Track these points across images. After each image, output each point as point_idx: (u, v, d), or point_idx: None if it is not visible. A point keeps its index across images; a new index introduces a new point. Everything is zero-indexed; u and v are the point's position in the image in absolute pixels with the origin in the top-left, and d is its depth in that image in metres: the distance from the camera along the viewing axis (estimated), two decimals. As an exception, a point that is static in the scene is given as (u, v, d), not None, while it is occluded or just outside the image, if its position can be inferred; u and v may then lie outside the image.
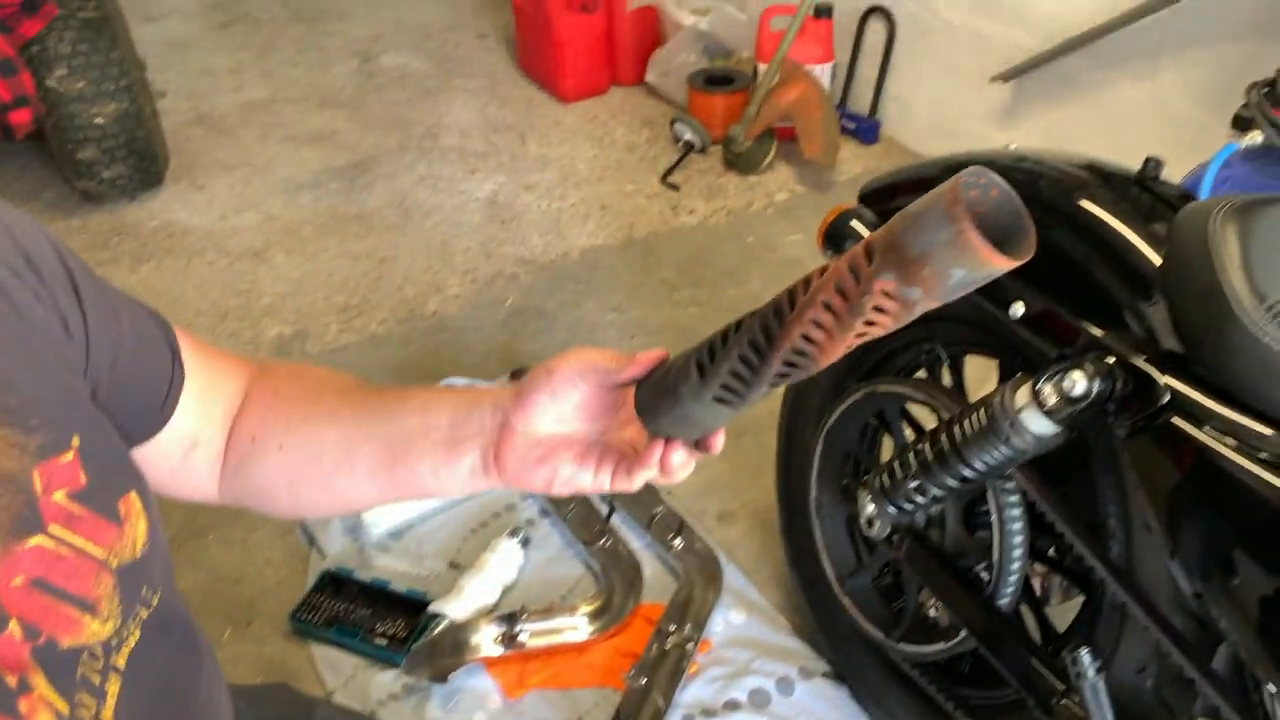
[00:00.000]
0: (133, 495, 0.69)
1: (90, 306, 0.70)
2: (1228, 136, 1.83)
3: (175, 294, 2.79)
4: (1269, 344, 0.99)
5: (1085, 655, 1.18)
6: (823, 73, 3.27)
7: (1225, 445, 1.02)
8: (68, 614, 0.61)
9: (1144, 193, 1.24)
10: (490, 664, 1.79)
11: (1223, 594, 1.06)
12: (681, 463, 0.73)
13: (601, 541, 1.98)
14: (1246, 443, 1.01)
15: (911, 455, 1.29)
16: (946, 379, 1.52)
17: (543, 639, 1.80)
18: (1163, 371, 1.07)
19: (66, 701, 0.60)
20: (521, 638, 1.79)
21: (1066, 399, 1.10)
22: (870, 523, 1.42)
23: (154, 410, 0.78)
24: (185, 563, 2.03)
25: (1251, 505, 1.01)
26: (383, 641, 1.84)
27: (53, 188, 3.21)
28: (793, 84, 3.09)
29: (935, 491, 1.27)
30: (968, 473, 1.22)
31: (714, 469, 2.16)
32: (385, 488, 0.81)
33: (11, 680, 0.57)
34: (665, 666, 1.76)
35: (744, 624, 1.86)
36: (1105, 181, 1.27)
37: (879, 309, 0.58)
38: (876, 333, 0.60)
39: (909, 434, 1.52)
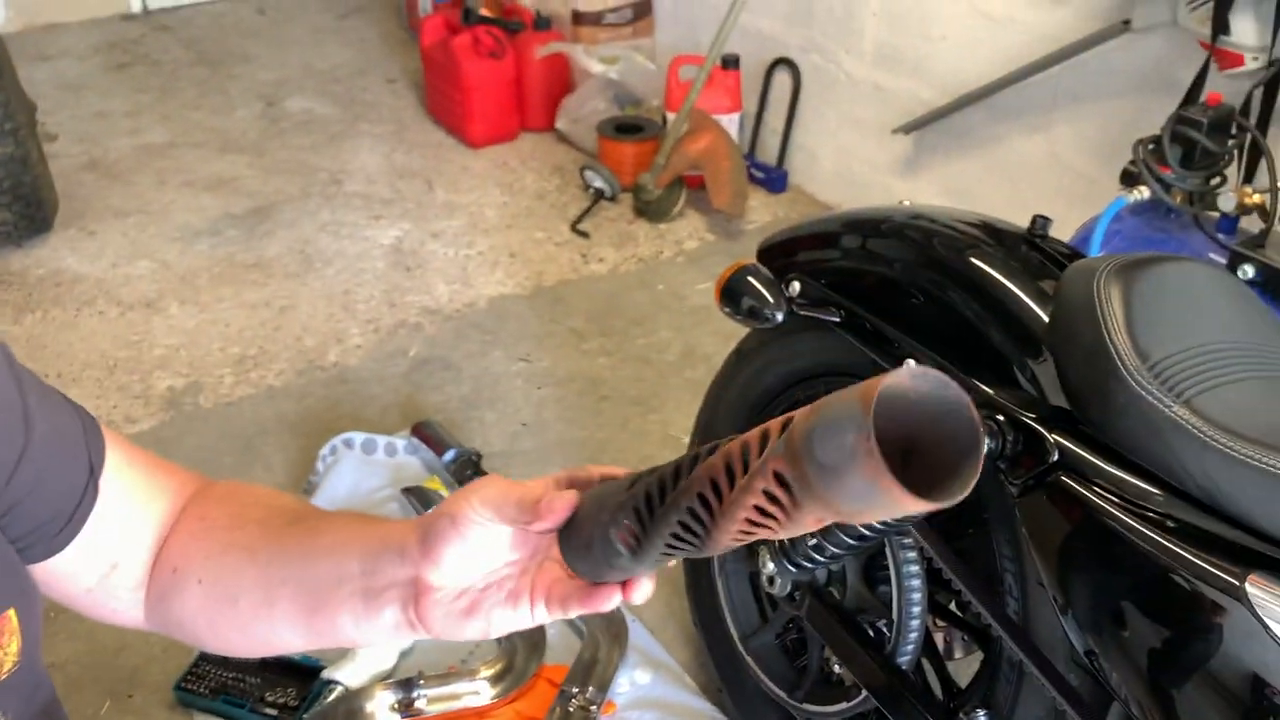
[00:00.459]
0: (10, 613, 0.64)
1: None
2: (1117, 191, 1.88)
3: (62, 346, 2.68)
4: (1153, 403, 1.00)
5: (983, 717, 1.17)
6: (731, 122, 3.30)
7: (1112, 503, 1.03)
8: None
9: (1032, 250, 1.25)
10: (386, 732, 1.72)
11: (1114, 651, 1.06)
12: (638, 596, 0.66)
13: (504, 600, 1.92)
14: (1132, 500, 1.02)
15: (809, 514, 1.27)
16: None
17: (441, 704, 1.74)
18: (1051, 430, 1.08)
19: None
20: (419, 704, 1.72)
21: (959, 458, 1.09)
22: (772, 580, 1.40)
23: (54, 529, 0.72)
24: (62, 632, 1.93)
25: (1139, 562, 1.02)
26: (273, 711, 1.76)
27: (-67, 234, 3.07)
28: (702, 133, 3.11)
29: (833, 550, 1.26)
30: (865, 531, 1.21)
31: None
32: (308, 636, 0.75)
33: None
34: (568, 730, 1.71)
35: (650, 684, 1.82)
36: (996, 239, 1.28)
37: (760, 509, 0.53)
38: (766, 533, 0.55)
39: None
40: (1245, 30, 1.92)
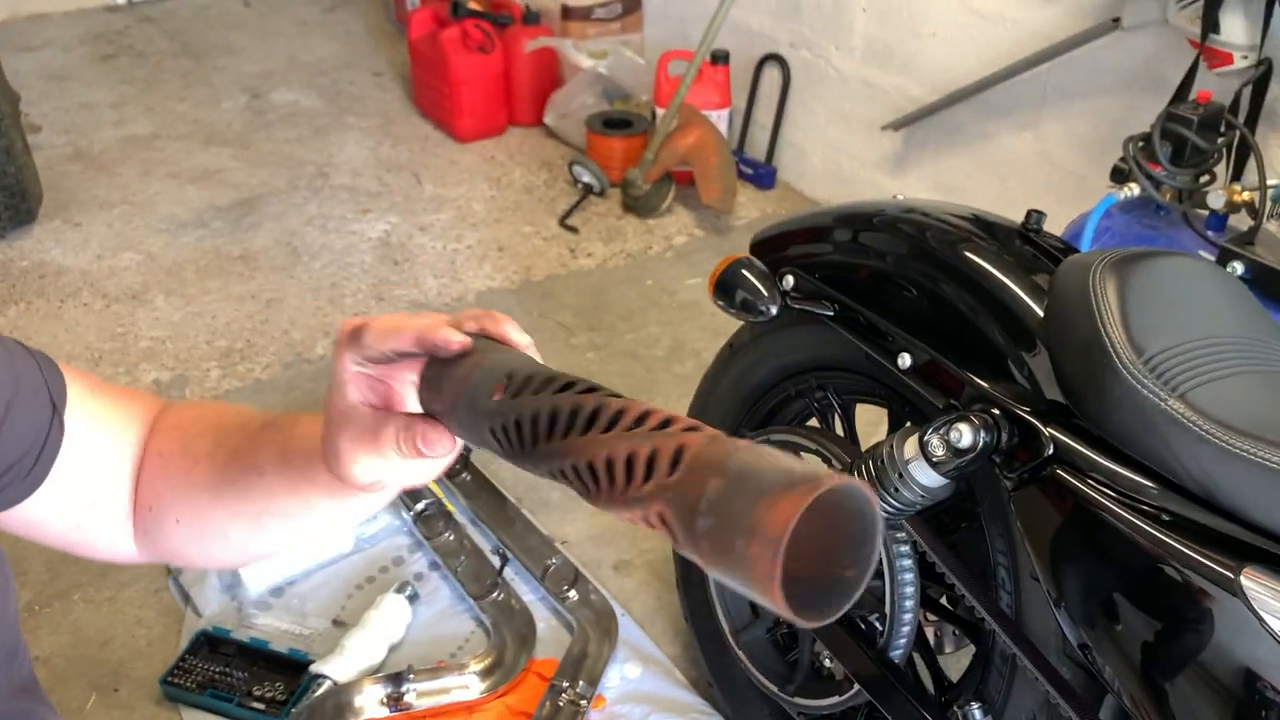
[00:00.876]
0: None
1: None
2: (1107, 188, 1.88)
3: (46, 338, 2.65)
4: (1147, 396, 1.00)
5: (976, 710, 1.17)
6: (720, 118, 3.30)
7: (1106, 496, 1.03)
8: None
9: (1026, 244, 1.25)
10: (375, 727, 1.71)
11: (1107, 644, 1.06)
12: (435, 446, 0.63)
13: (493, 595, 1.92)
14: (1126, 493, 1.02)
15: (803, 507, 1.27)
16: (839, 427, 1.51)
17: (431, 699, 1.73)
18: (1046, 423, 1.08)
19: None
20: (408, 698, 1.72)
21: (954, 450, 1.09)
22: (764, 575, 1.40)
23: (24, 469, 0.72)
24: (46, 626, 1.91)
25: (1133, 555, 1.02)
26: (260, 705, 1.75)
27: (-86, 224, 3.04)
28: (691, 129, 3.10)
29: (827, 544, 1.25)
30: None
31: (610, 518, 2.12)
32: (300, 535, 0.77)
33: None
34: (558, 725, 1.70)
35: (640, 678, 1.82)
36: (989, 233, 1.28)
37: (650, 523, 0.50)
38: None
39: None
40: (1235, 29, 1.92)
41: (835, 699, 1.42)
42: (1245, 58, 1.94)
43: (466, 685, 1.76)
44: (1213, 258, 1.67)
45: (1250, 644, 0.92)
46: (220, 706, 1.76)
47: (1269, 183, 1.68)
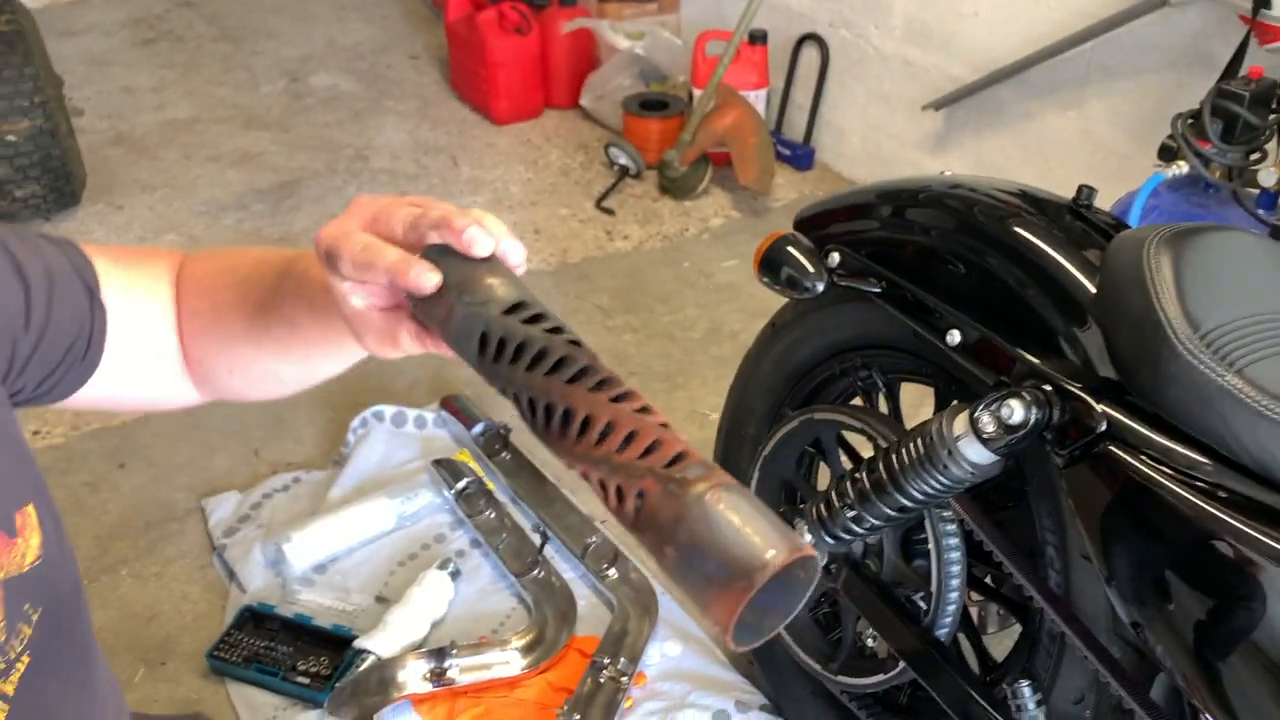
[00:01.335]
0: (30, 508, 0.67)
1: None
2: (1154, 167, 1.86)
3: (91, 318, 2.69)
4: (1203, 371, 0.99)
5: (1026, 688, 1.17)
6: (758, 99, 3.28)
7: (1161, 473, 1.02)
8: None
9: (1077, 220, 1.24)
10: (418, 701, 1.72)
11: (1159, 622, 1.05)
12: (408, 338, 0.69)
13: (534, 573, 1.93)
14: (1182, 470, 1.01)
15: (849, 485, 1.27)
16: (883, 406, 1.50)
17: (473, 674, 1.75)
18: (1099, 400, 1.07)
19: None
20: (451, 673, 1.73)
21: (1004, 427, 1.08)
22: (807, 553, 1.39)
23: (80, 353, 0.77)
24: (95, 600, 1.94)
25: (1187, 532, 1.01)
26: (305, 680, 1.77)
27: (-38, 207, 3.08)
28: (728, 109, 3.09)
29: (873, 521, 1.25)
30: (905, 503, 1.20)
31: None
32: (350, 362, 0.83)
33: None
34: (599, 701, 1.71)
35: (680, 656, 1.83)
36: (1039, 209, 1.27)
37: (604, 489, 0.56)
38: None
39: (846, 462, 1.50)
40: (1287, 3, 1.89)
41: (879, 677, 1.42)
42: (1298, 33, 1.90)
43: (508, 661, 1.77)
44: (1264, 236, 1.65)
45: (1308, 622, 0.92)
46: (265, 680, 1.78)
47: (1323, 159, 1.65)
